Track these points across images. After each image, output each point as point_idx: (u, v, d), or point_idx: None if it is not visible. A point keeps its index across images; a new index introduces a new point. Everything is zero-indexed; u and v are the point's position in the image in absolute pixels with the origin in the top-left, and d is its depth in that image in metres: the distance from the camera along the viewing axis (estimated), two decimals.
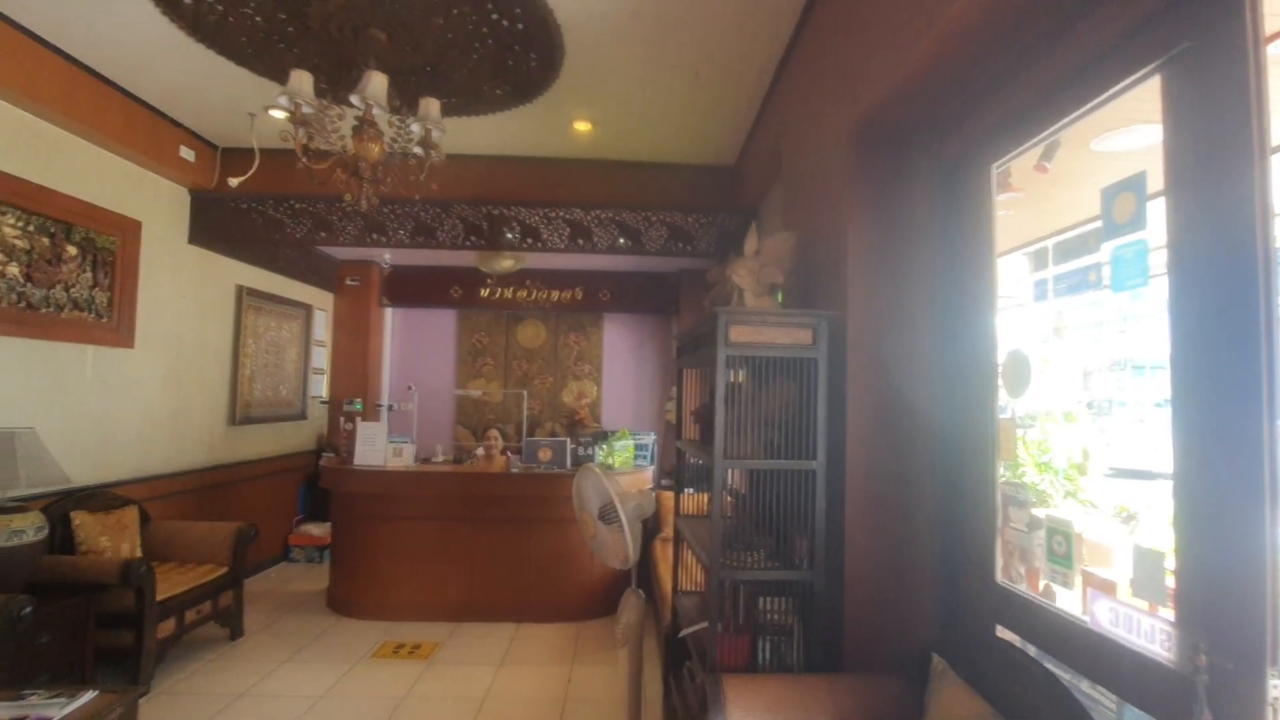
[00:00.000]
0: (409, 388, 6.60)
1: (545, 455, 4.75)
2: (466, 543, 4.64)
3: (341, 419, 6.10)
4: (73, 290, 3.76)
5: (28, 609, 2.66)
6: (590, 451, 4.78)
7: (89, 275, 3.87)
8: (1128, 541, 1.69)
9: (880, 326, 2.21)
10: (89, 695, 2.31)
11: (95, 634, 3.28)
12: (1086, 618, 1.48)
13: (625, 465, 4.82)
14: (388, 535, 4.64)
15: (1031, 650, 1.66)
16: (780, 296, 2.58)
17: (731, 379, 2.19)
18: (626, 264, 7.27)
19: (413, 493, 4.67)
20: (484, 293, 7.53)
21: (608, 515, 2.91)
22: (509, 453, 5.34)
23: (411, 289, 7.53)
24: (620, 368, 7.90)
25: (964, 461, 1.94)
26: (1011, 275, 2.03)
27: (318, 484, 6.17)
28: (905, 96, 2.01)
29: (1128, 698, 1.36)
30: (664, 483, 5.80)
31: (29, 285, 3.50)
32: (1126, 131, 1.91)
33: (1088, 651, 1.45)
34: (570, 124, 4.20)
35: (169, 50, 3.41)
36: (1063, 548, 1.57)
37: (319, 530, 6.12)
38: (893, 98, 2.02)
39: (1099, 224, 1.63)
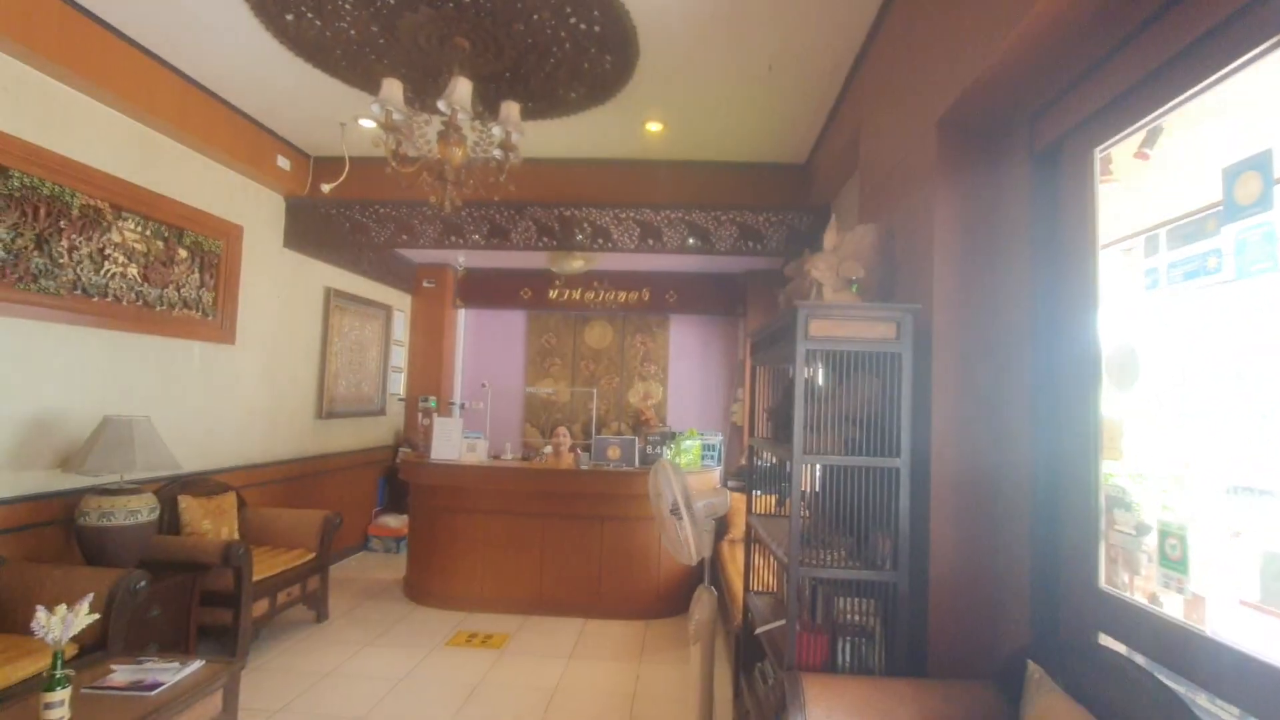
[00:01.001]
0: (483, 385, 6.80)
1: (614, 453, 4.80)
2: (536, 538, 4.74)
3: (419, 415, 6.35)
4: (183, 290, 4.06)
5: (143, 583, 2.89)
6: (659, 450, 4.80)
7: (197, 276, 4.17)
8: (1233, 558, 1.57)
9: (968, 320, 2.13)
10: (197, 664, 2.48)
11: (198, 610, 3.52)
12: (1205, 627, 1.38)
13: (692, 465, 4.81)
14: (462, 528, 4.79)
15: (1139, 660, 1.56)
16: (855, 289, 2.53)
17: (809, 374, 2.16)
18: (693, 265, 7.28)
19: (486, 487, 4.81)
20: (553, 294, 7.68)
21: (679, 511, 2.92)
22: (577, 450, 5.42)
23: (484, 291, 7.77)
24: (686, 369, 7.90)
25: (1063, 460, 1.85)
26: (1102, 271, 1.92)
27: (395, 478, 6.44)
28: (998, 83, 1.94)
29: (1254, 711, 1.26)
30: (731, 484, 5.75)
31: (145, 285, 3.80)
32: (1239, 112, 1.78)
33: (1208, 662, 1.35)
34: (642, 125, 4.25)
35: (270, 65, 3.65)
36: (1177, 551, 1.47)
37: (396, 522, 6.37)
38: (984, 85, 1.95)
39: (1202, 215, 1.53)
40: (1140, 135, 1.76)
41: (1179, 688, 1.44)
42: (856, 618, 2.08)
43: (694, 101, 3.92)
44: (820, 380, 2.26)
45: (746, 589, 3.07)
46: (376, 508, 6.67)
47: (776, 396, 3.04)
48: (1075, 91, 1.82)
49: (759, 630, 2.35)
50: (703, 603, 2.76)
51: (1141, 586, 1.73)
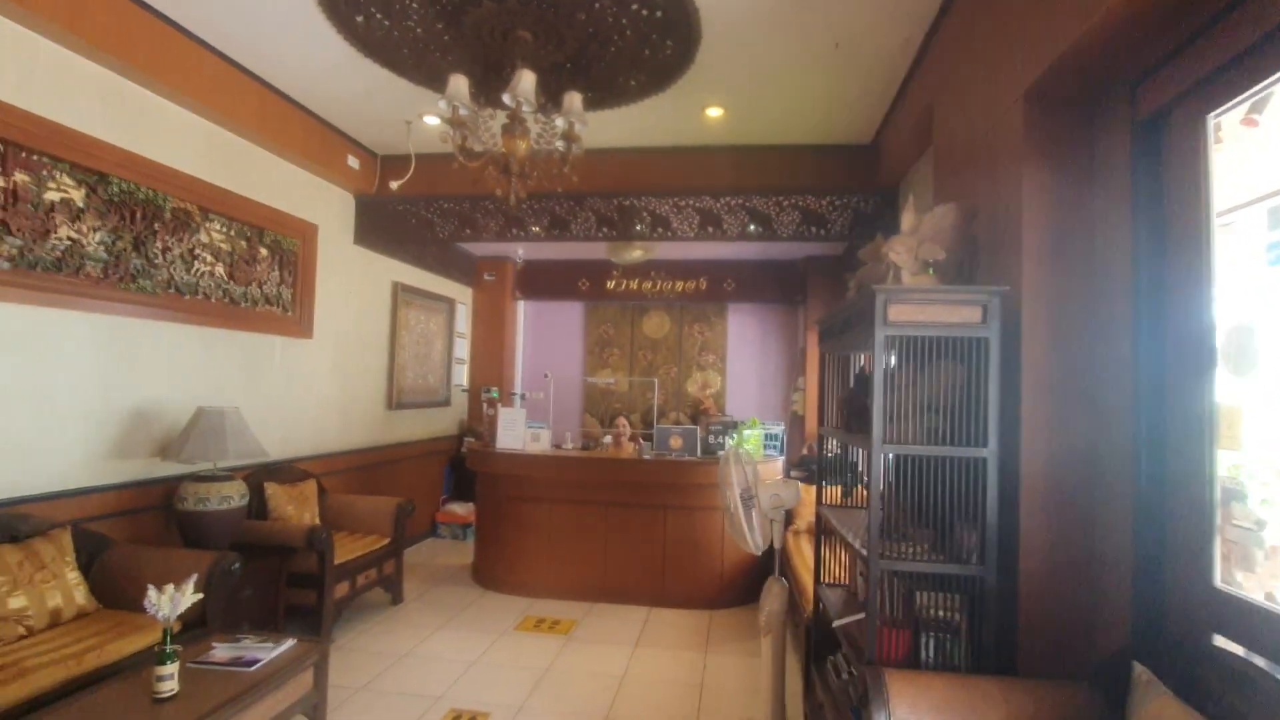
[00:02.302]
0: (545, 375, 6.90)
1: (676, 443, 4.79)
2: (600, 526, 4.78)
3: (484, 405, 6.49)
4: (264, 287, 4.26)
5: (236, 565, 3.05)
6: (721, 440, 4.77)
7: (276, 274, 4.37)
8: None
9: (1061, 301, 2.02)
10: (289, 643, 2.60)
11: (285, 591, 3.71)
12: None
13: (754, 455, 4.76)
14: (527, 516, 4.88)
15: (1260, 663, 1.45)
16: (931, 273, 2.43)
17: (884, 362, 2.09)
18: (751, 252, 7.18)
19: (550, 476, 4.88)
20: (610, 285, 7.71)
21: (746, 501, 2.89)
22: (639, 440, 5.44)
23: (542, 283, 7.87)
24: (745, 358, 7.82)
25: (1171, 450, 1.73)
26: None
27: (461, 466, 6.62)
28: (1095, 48, 1.81)
29: None
30: (794, 474, 5.67)
31: (231, 283, 4.00)
32: None
33: None
34: (701, 111, 4.19)
35: (341, 68, 3.76)
36: None
37: (462, 510, 6.55)
38: (1079, 51, 1.83)
39: None
40: (1249, 100, 1.62)
41: None
42: (941, 613, 2.01)
43: (756, 84, 3.84)
44: (893, 366, 2.18)
45: (817, 581, 3.02)
46: (444, 495, 6.88)
47: (848, 385, 2.97)
48: (1186, 54, 1.69)
49: (837, 624, 2.31)
50: (774, 594, 2.72)
51: (1257, 584, 1.61)
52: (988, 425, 1.97)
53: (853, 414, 2.74)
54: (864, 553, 2.13)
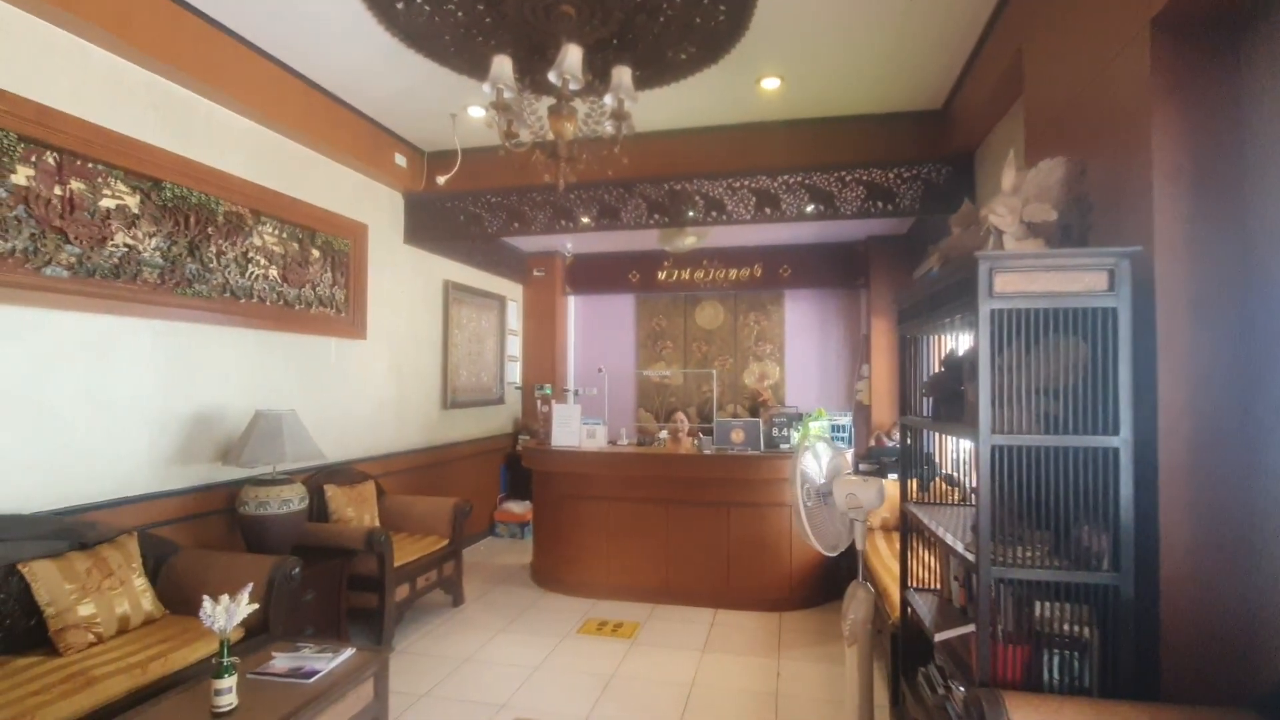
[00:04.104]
0: (599, 370, 6.77)
1: (738, 437, 4.57)
2: (661, 525, 4.61)
3: (538, 402, 6.41)
4: (318, 289, 4.24)
5: (296, 569, 3.00)
6: (785, 433, 4.52)
7: (329, 275, 4.34)
8: None
9: (1205, 262, 1.72)
10: (349, 652, 2.52)
11: (346, 594, 3.66)
12: None
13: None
14: (585, 514, 4.74)
15: None
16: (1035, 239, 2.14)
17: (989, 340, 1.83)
18: (808, 235, 6.86)
19: (607, 473, 4.73)
20: (661, 276, 7.53)
21: (823, 498, 2.67)
22: (698, 434, 5.25)
23: (592, 276, 7.74)
24: (803, 347, 7.51)
25: None
26: None
27: (517, 464, 6.55)
28: None
29: None
30: (863, 467, 5.37)
31: (285, 285, 3.98)
32: None
33: None
34: (756, 83, 3.94)
35: (383, 62, 3.68)
36: None
37: (519, 508, 6.48)
38: None
39: None
40: None
41: None
42: (1067, 626, 1.75)
43: (816, 49, 3.56)
44: (995, 345, 1.92)
45: (904, 585, 2.76)
46: (501, 494, 6.83)
47: (933, 369, 2.70)
48: None
49: (939, 636, 2.06)
50: (858, 600, 2.49)
51: None
52: (1118, 410, 1.69)
53: (943, 401, 2.48)
54: (970, 557, 1.88)
